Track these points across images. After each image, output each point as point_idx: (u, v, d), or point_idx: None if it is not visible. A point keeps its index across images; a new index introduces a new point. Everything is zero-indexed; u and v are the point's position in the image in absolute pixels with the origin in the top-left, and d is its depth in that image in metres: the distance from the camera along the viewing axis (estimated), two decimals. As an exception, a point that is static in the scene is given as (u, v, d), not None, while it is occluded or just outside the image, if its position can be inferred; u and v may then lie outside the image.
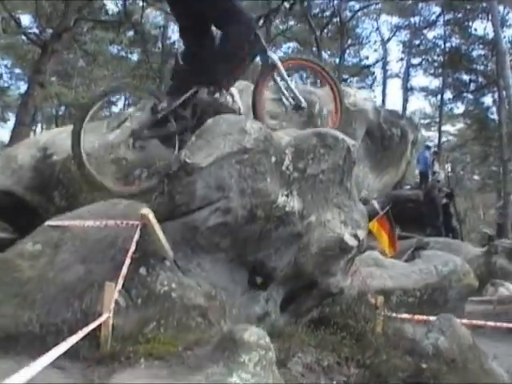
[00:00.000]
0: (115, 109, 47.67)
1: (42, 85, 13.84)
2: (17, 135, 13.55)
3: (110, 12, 20.22)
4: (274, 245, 4.15)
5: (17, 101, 27.51)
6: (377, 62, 38.76)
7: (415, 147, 9.13)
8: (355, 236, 4.31)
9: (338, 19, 30.69)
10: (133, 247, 3.86)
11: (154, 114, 4.83)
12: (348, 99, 8.24)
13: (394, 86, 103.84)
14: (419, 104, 43.85)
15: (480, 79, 33.08)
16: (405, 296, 6.67)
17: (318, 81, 6.21)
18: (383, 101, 37.32)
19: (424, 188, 17.88)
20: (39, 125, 35.56)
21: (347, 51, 36.58)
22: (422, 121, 51.91)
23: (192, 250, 4.05)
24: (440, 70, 35.38)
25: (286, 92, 5.14)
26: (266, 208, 3.97)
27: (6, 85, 36.01)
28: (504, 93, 22.87)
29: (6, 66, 34.49)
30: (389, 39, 38.31)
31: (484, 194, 45.03)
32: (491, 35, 27.06)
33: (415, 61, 37.50)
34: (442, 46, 34.78)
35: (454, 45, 34.22)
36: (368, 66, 38.72)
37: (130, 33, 20.46)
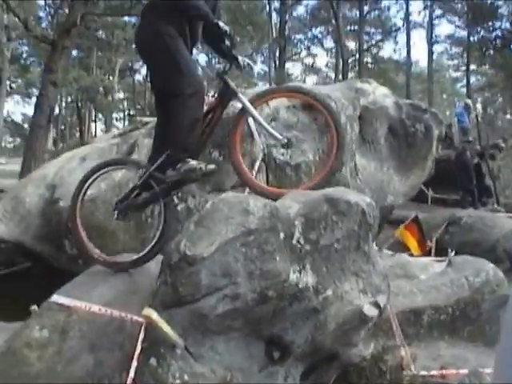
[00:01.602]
0: (138, 76, 47.79)
1: (55, 84, 13.57)
2: (34, 139, 13.39)
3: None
4: (289, 319, 3.92)
5: (39, 77, 27.50)
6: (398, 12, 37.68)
7: (440, 143, 8.71)
8: (375, 304, 4.03)
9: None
10: (138, 348, 3.66)
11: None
12: (367, 98, 7.89)
13: (419, 37, 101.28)
14: (445, 46, 42.38)
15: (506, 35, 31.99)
16: (436, 314, 6.39)
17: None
18: (408, 52, 36.48)
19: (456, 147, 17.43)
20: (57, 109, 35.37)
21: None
22: (450, 62, 50.95)
23: (203, 334, 3.83)
24: (464, 19, 34.29)
25: (264, 132, 4.96)
26: (278, 288, 3.72)
27: (27, 62, 36.08)
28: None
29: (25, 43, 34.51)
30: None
31: (517, 134, 44.12)
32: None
33: (438, 11, 36.46)
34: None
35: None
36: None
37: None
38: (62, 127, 42.14)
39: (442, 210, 14.93)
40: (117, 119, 50.77)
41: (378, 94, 8.04)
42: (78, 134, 38.41)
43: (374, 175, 7.72)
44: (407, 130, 7.98)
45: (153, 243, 4.77)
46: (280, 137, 4.73)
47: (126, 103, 49.56)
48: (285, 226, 3.80)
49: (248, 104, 4.72)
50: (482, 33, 33.21)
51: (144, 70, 46.82)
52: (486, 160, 18.95)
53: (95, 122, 47.38)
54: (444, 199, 17.37)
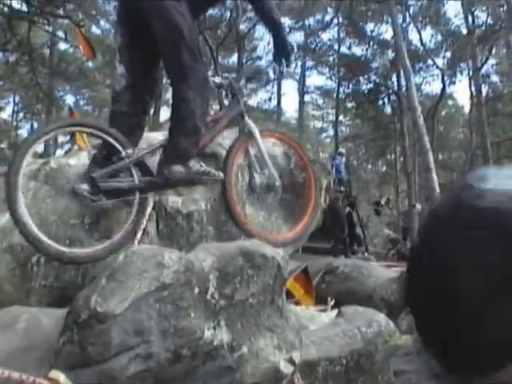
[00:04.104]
0: (3, 114, 46.00)
1: None
2: None
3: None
4: (201, 379, 3.71)
5: None
6: (270, 63, 38.58)
7: (329, 193, 8.84)
8: (290, 360, 3.95)
9: (235, 32, 30.32)
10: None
11: (115, 161, 4.23)
12: (257, 146, 7.84)
13: (290, 87, 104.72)
14: (312, 96, 43.84)
15: (379, 88, 33.62)
16: (331, 366, 6.33)
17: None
18: (279, 102, 37.39)
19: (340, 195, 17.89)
20: None
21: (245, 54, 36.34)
22: (315, 112, 52.74)
23: (111, 396, 3.56)
24: (335, 71, 35.66)
25: (258, 167, 4.83)
26: (192, 346, 3.54)
27: None
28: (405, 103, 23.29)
29: None
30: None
31: (382, 185, 46.16)
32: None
33: (310, 63, 37.71)
34: (337, 48, 35.09)
35: (349, 47, 34.70)
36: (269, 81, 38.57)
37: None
38: None
39: (315, 259, 15.16)
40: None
41: (268, 143, 8.06)
42: None
43: (263, 225, 7.68)
44: (295, 180, 8.02)
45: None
46: (278, 178, 4.66)
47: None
48: (199, 280, 3.64)
49: (257, 132, 4.58)
50: (353, 85, 34.62)
51: (9, 109, 45.23)
52: (357, 209, 19.62)
53: (-46, 161, 45.18)
54: (315, 248, 17.70)
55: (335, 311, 8.15)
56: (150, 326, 3.45)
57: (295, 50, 4.77)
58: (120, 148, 4.25)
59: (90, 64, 33.09)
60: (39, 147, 4.07)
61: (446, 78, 32.48)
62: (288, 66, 4.83)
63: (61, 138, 40.15)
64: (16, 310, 4.72)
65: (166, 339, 3.48)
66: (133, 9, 4.33)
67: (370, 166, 53.24)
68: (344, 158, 20.36)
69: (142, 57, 4.51)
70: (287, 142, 5.34)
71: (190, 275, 3.60)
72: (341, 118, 43.28)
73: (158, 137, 7.16)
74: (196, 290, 3.61)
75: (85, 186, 4.13)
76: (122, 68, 4.65)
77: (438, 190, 12.31)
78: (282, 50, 4.72)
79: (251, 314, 3.83)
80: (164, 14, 4.16)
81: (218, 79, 4.93)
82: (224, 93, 4.90)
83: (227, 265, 3.78)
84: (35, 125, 44.72)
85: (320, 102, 48.13)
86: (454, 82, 35.98)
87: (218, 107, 4.90)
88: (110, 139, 4.26)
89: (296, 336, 4.12)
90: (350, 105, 37.56)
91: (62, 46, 30.30)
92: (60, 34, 23.23)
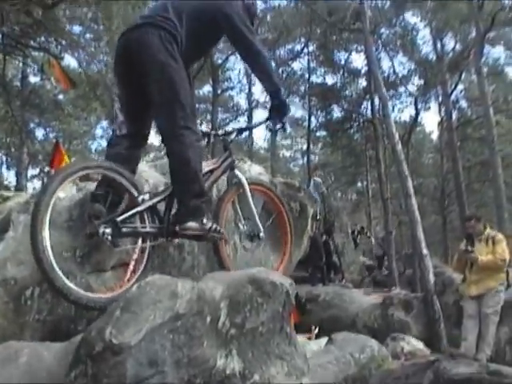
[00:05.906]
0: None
1: None
2: None
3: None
4: (213, 408, 3.70)
5: None
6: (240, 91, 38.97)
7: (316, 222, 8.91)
8: (301, 387, 3.94)
9: (209, 64, 30.55)
10: None
11: (130, 206, 4.20)
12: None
13: (261, 117, 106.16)
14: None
15: (352, 116, 33.99)
16: (326, 393, 6.37)
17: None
18: (250, 132, 37.50)
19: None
20: None
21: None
22: (284, 142, 53.07)
23: (124, 428, 3.52)
24: (306, 101, 35.97)
25: (242, 218, 4.88)
26: (205, 375, 3.53)
27: None
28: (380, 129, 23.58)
29: None
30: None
31: (354, 213, 46.35)
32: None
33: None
34: (307, 78, 35.49)
35: (319, 76, 35.12)
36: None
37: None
38: None
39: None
40: None
41: (253, 171, 8.09)
42: None
43: (252, 254, 7.69)
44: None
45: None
46: (262, 230, 4.88)
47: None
48: (211, 308, 3.65)
49: (246, 184, 4.65)
50: (325, 113, 34.97)
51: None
52: (333, 238, 19.68)
53: None
54: (292, 276, 17.63)
55: (323, 339, 8.18)
56: (164, 357, 3.43)
57: (291, 111, 4.88)
58: (135, 193, 4.23)
59: (61, 96, 32.95)
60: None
61: (419, 103, 33.06)
62: (283, 124, 4.98)
63: (30, 172, 39.88)
64: (15, 345, 4.63)
65: (179, 369, 3.46)
66: (133, 63, 4.29)
67: (339, 194, 53.52)
68: (321, 186, 20.41)
69: (138, 108, 4.54)
70: (270, 196, 5.41)
71: (203, 304, 3.60)
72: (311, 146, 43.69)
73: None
74: (208, 319, 3.60)
75: (108, 230, 3.99)
76: (122, 116, 4.69)
77: (417, 214, 12.48)
78: (278, 111, 4.80)
79: (261, 342, 3.84)
80: (163, 75, 4.17)
81: (213, 132, 5.07)
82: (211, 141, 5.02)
83: (237, 293, 3.78)
84: (4, 158, 44.38)
85: (289, 130, 48.58)
86: (428, 108, 36.71)
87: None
88: (127, 183, 4.22)
89: (304, 362, 4.13)
90: (320, 133, 37.97)
91: (33, 79, 30.14)
92: (33, 66, 23.06)
